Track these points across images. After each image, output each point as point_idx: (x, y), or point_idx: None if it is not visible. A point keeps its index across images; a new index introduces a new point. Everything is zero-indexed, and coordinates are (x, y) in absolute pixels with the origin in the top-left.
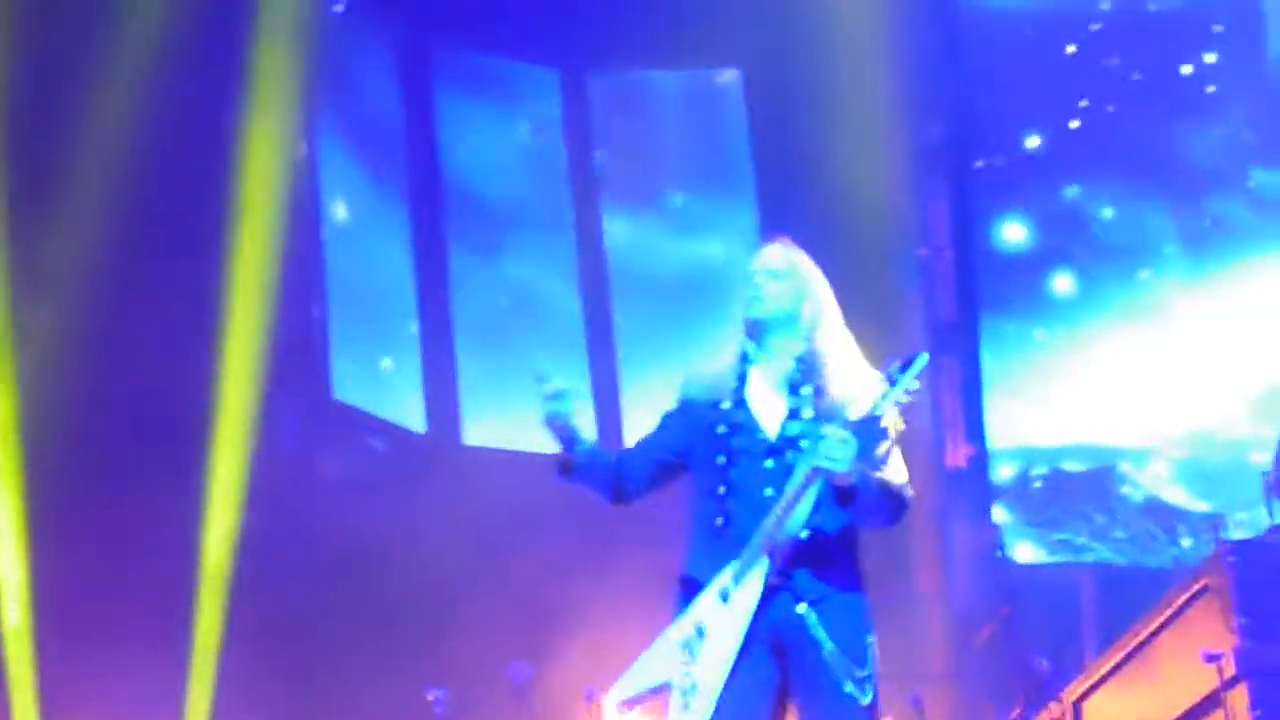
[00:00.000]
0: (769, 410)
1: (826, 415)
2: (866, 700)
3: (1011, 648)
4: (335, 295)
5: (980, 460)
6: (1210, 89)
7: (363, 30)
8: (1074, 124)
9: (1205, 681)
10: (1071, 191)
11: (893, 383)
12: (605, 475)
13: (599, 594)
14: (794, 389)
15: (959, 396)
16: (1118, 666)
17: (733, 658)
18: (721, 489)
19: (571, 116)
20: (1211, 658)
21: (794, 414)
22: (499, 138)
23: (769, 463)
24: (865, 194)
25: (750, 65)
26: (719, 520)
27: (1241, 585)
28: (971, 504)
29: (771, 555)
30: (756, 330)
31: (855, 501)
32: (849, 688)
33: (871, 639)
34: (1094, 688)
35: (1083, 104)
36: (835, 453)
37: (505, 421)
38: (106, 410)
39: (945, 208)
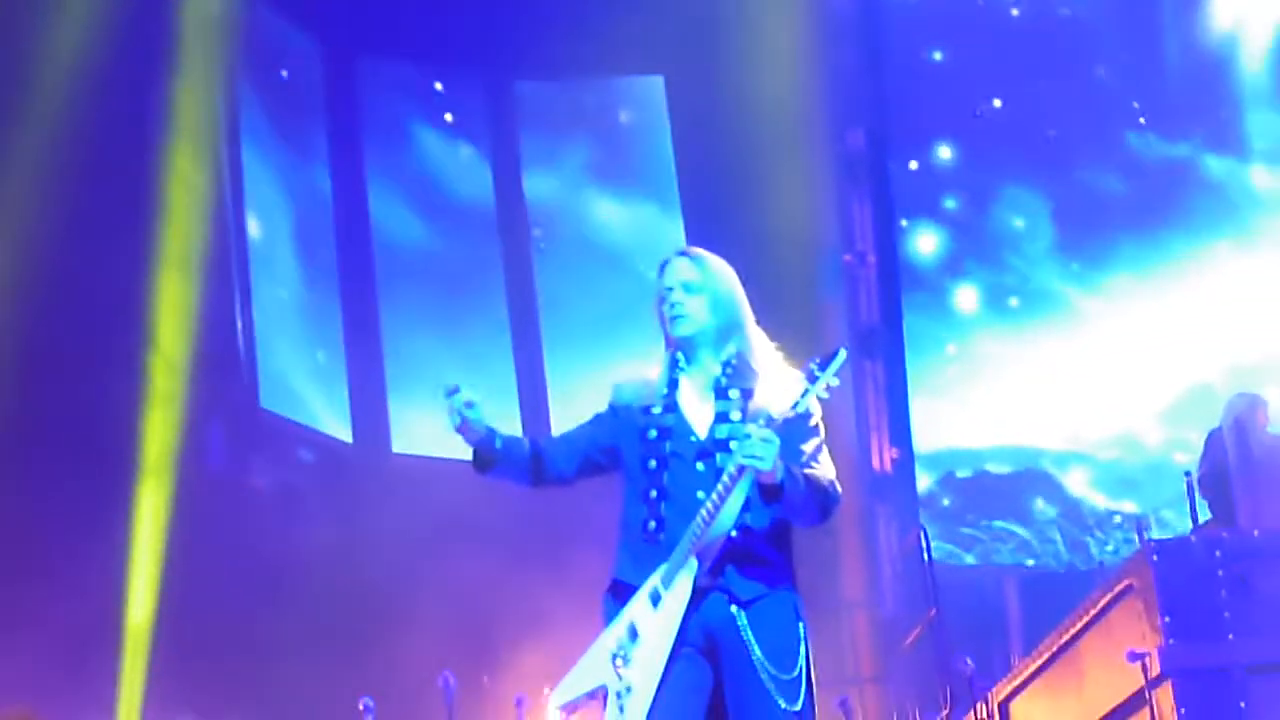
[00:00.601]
0: (699, 414)
1: (754, 416)
2: (796, 707)
3: (938, 650)
4: (260, 306)
5: (905, 464)
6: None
7: (286, 37)
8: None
9: (1130, 681)
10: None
11: (813, 379)
12: (522, 462)
13: (532, 601)
14: (721, 393)
15: (883, 400)
16: (1043, 667)
17: (665, 659)
18: (653, 493)
19: (498, 123)
20: (1136, 656)
21: (722, 417)
22: (425, 149)
23: (700, 465)
24: (788, 200)
25: (673, 72)
26: (651, 524)
27: (1165, 584)
28: (897, 507)
29: (700, 556)
30: (681, 346)
31: (782, 499)
32: (773, 692)
33: (802, 639)
34: (1020, 688)
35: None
36: (758, 451)
37: (434, 428)
38: (30, 426)
39: (868, 213)
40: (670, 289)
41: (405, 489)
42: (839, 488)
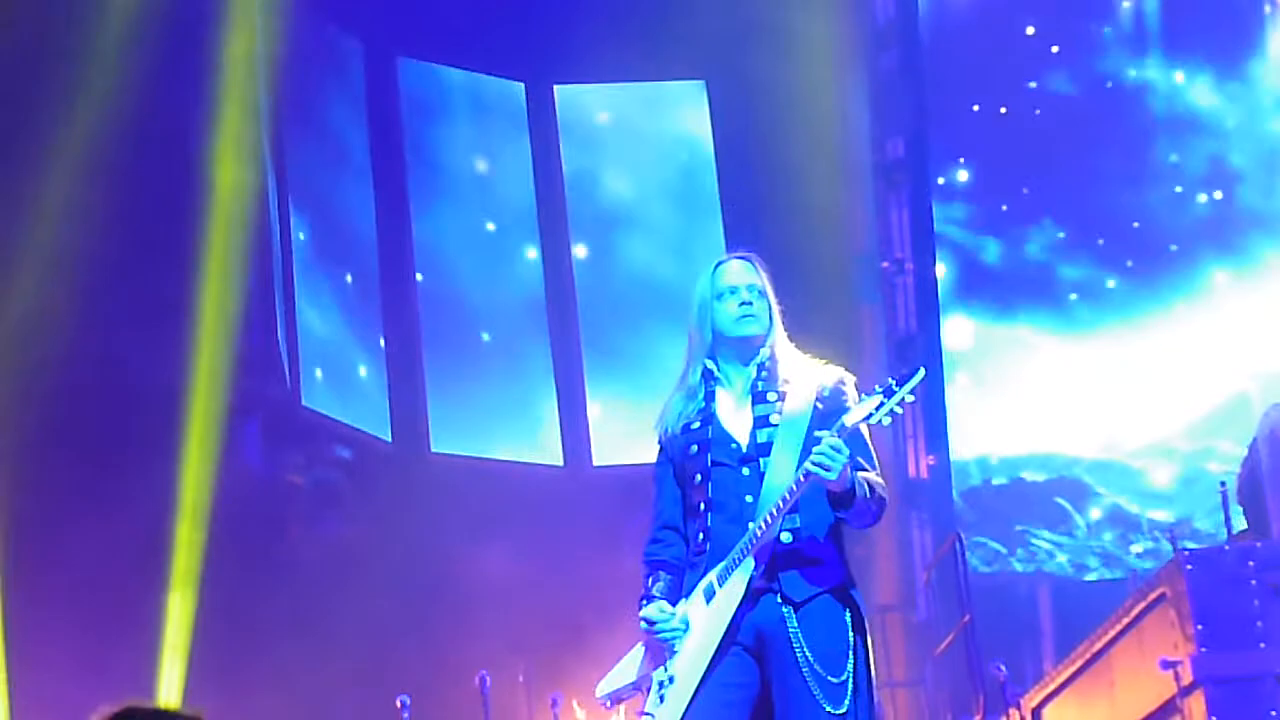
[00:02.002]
0: (736, 421)
1: (792, 418)
2: (841, 710)
3: (971, 656)
4: (304, 305)
5: (941, 470)
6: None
7: (328, 49)
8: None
9: (1162, 689)
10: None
11: (890, 394)
12: (679, 571)
13: (568, 602)
14: (759, 396)
15: (920, 407)
16: (1076, 674)
17: (710, 653)
18: (701, 505)
19: (537, 127)
20: (1168, 665)
21: (761, 420)
22: (467, 155)
23: (745, 470)
24: (828, 207)
25: (715, 78)
26: (700, 537)
27: (1198, 593)
28: (932, 513)
29: (757, 558)
30: (737, 345)
31: (853, 505)
32: (819, 695)
33: (853, 642)
34: (1052, 695)
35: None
36: (829, 460)
37: (472, 429)
38: (72, 426)
39: (906, 220)
40: (735, 289)
41: (443, 488)
42: (887, 492)
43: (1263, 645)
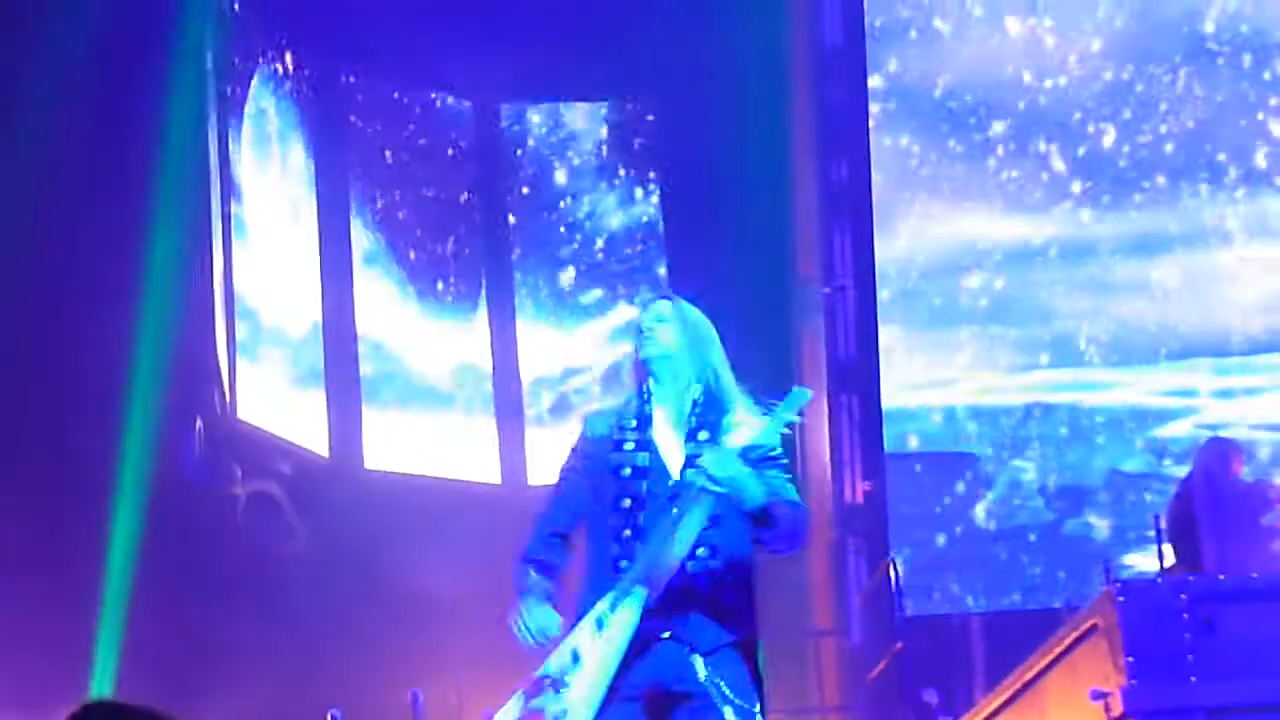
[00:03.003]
0: (672, 454)
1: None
2: None
3: (904, 683)
4: (242, 318)
5: (877, 496)
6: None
7: (271, 60)
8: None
9: None
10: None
11: (773, 414)
12: (557, 573)
13: (502, 619)
14: (691, 434)
15: (858, 433)
16: (1007, 703)
17: (604, 685)
18: (627, 532)
19: (485, 147)
20: (1099, 695)
21: (691, 460)
22: (413, 173)
23: (675, 510)
24: (770, 231)
25: (659, 98)
26: (623, 564)
27: (1130, 625)
28: (868, 539)
29: (649, 584)
30: (649, 369)
31: (769, 521)
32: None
33: (759, 691)
34: None
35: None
36: (715, 471)
37: (406, 446)
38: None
39: (848, 245)
40: (644, 318)
41: (377, 504)
42: (809, 524)
43: (1193, 679)
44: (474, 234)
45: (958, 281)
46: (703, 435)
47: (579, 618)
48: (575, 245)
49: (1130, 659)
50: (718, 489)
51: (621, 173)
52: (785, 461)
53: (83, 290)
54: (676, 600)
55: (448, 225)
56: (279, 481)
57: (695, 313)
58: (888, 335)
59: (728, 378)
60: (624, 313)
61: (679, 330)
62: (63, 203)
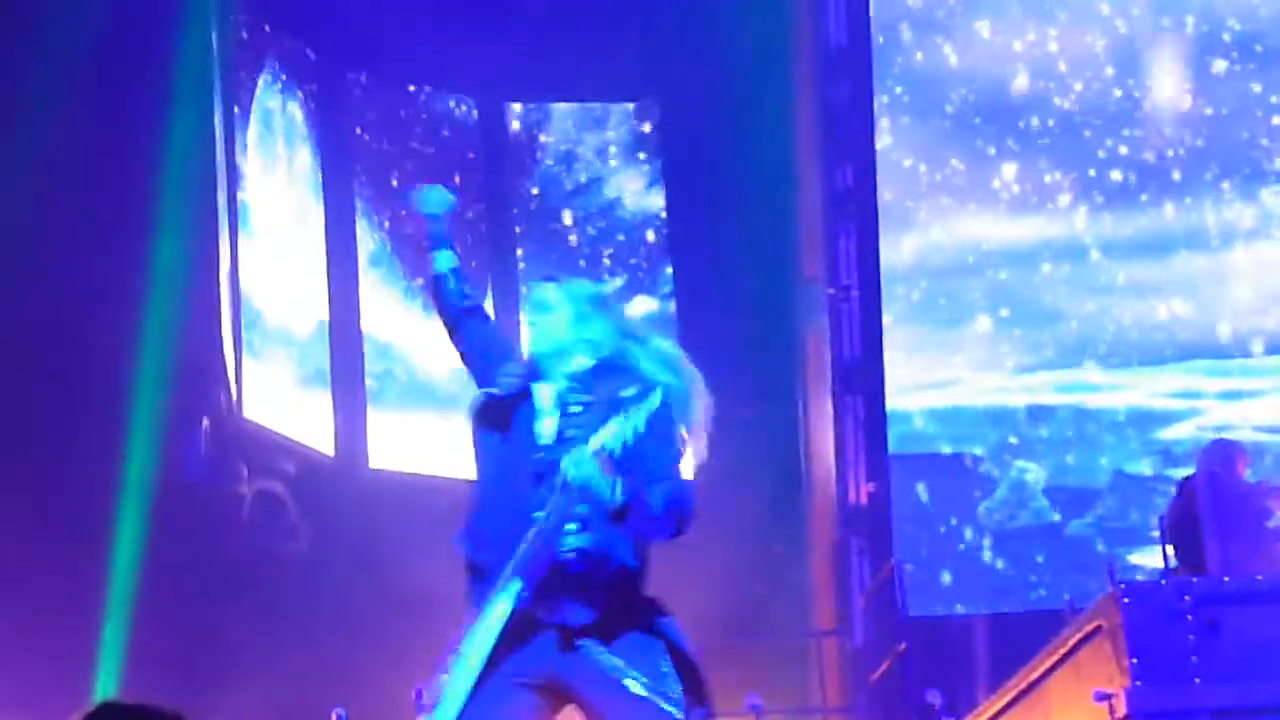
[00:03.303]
0: (547, 427)
1: (587, 434)
2: (669, 707)
3: (907, 683)
4: (248, 318)
5: (881, 498)
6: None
7: (277, 60)
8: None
9: None
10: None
11: (623, 417)
12: (457, 301)
13: None
14: (564, 410)
15: (862, 434)
16: (1011, 704)
17: (474, 675)
18: (498, 496)
19: (492, 148)
20: (1103, 697)
21: (560, 434)
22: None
23: (539, 481)
24: (775, 232)
25: (666, 100)
26: (491, 525)
27: (1134, 627)
28: (871, 540)
29: (525, 578)
30: (536, 361)
31: (627, 518)
32: (639, 689)
33: (666, 663)
34: None
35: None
36: (572, 473)
37: (411, 445)
38: (11, 431)
39: (853, 249)
40: (531, 308)
41: (381, 503)
42: (693, 502)
43: (1197, 680)
44: (479, 240)
45: (963, 283)
46: (574, 408)
47: (471, 560)
48: (581, 246)
49: (1134, 660)
50: (574, 488)
51: (627, 173)
52: (671, 442)
53: (87, 289)
54: (552, 589)
55: (453, 228)
56: (284, 481)
57: (579, 289)
58: (892, 337)
59: (618, 348)
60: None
61: (562, 318)
62: (66, 201)
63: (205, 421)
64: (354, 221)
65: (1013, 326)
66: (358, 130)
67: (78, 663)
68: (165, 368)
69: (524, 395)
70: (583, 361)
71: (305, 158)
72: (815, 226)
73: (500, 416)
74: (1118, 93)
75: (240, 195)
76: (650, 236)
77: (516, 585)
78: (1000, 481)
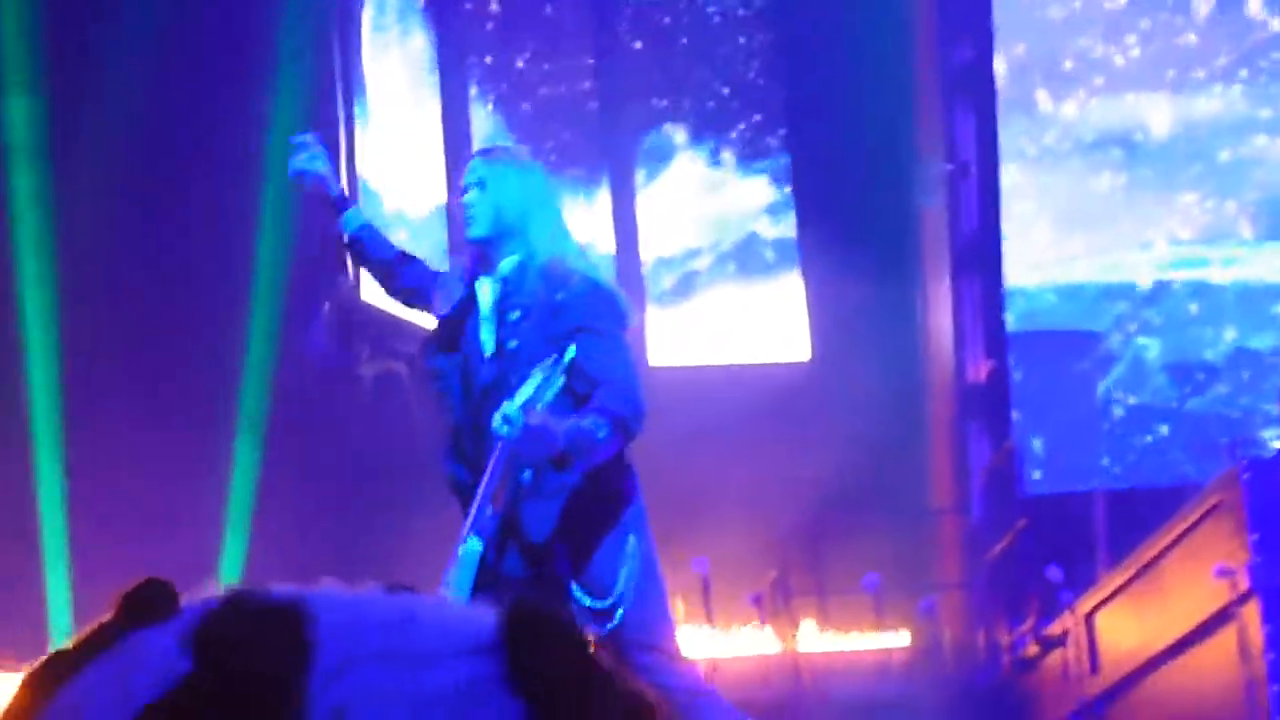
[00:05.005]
0: (488, 338)
1: (528, 343)
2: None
3: (1025, 561)
4: (365, 201)
5: (1000, 375)
6: None
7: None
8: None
9: (1217, 597)
10: None
11: (554, 367)
12: (387, 251)
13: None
14: (503, 318)
15: (980, 311)
16: (1130, 581)
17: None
18: (452, 410)
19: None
20: (1224, 572)
21: (500, 344)
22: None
23: (484, 394)
24: (892, 111)
25: None
26: (458, 444)
27: (1255, 501)
28: (990, 419)
29: (480, 534)
30: (474, 248)
31: (567, 467)
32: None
33: (622, 575)
34: (1106, 601)
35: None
36: (503, 431)
37: None
38: (134, 316)
39: (971, 125)
40: (465, 189)
41: None
42: (635, 401)
43: None
44: (590, 118)
45: (1084, 160)
46: (513, 315)
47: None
48: (690, 117)
49: (1255, 536)
50: (508, 448)
51: (740, 43)
52: (600, 339)
53: (206, 177)
54: (504, 537)
55: (568, 115)
56: (405, 361)
57: (517, 165)
58: (1011, 212)
59: (550, 235)
60: (740, 189)
61: (490, 200)
62: (186, 87)
63: (326, 305)
64: (467, 105)
65: (1133, 200)
66: (472, 12)
67: (202, 523)
68: (285, 250)
69: (470, 300)
70: (512, 260)
71: (419, 41)
72: (933, 102)
73: (453, 334)
74: None
75: (355, 80)
76: (762, 105)
77: (475, 543)
78: (1120, 358)
